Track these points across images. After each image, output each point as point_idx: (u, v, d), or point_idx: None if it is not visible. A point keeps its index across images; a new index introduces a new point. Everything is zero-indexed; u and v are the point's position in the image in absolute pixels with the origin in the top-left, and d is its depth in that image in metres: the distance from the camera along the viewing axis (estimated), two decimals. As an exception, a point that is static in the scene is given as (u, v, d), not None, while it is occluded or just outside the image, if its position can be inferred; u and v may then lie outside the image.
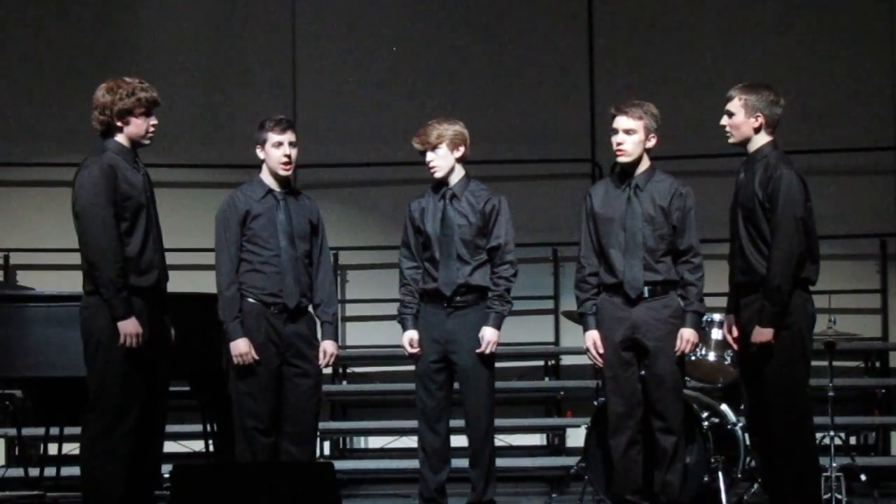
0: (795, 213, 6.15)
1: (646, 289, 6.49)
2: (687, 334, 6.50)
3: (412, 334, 6.75)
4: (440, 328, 6.69)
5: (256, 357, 6.44)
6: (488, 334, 6.68)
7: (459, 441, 6.84)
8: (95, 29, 11.09)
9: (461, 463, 6.83)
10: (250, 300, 6.50)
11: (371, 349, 10.58)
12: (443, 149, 6.71)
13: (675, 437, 6.51)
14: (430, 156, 6.73)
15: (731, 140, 6.40)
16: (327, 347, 6.65)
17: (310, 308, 6.66)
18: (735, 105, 6.32)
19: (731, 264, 6.43)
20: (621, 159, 6.58)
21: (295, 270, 6.54)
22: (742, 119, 6.31)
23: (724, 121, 6.38)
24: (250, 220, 6.53)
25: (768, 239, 6.19)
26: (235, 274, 6.49)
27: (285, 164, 6.58)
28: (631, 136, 6.53)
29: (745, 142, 6.35)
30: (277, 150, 6.57)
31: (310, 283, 6.62)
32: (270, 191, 6.59)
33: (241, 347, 6.43)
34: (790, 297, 6.16)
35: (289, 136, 6.59)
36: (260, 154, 6.63)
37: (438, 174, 6.75)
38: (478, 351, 6.67)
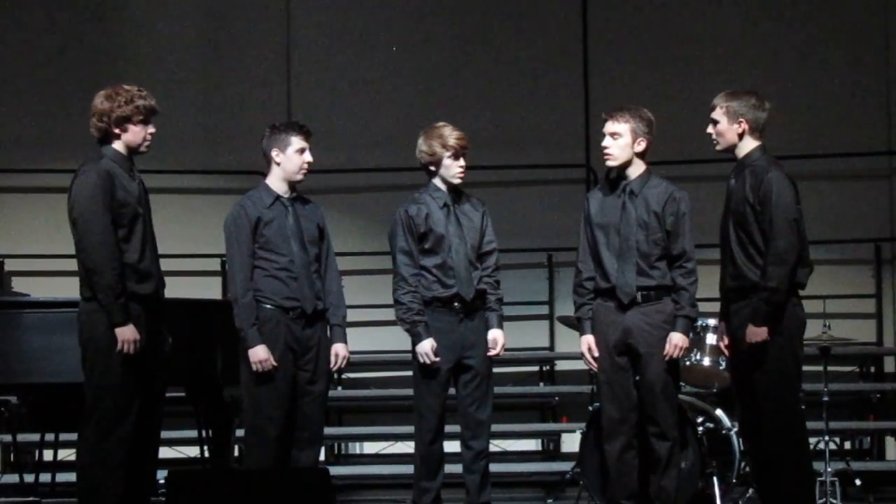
0: (788, 214, 6.16)
1: (639, 294, 6.46)
2: (676, 339, 6.44)
3: (433, 342, 6.56)
4: (455, 334, 6.61)
5: (275, 363, 6.38)
6: (501, 337, 6.69)
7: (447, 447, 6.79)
8: (90, 36, 11.10)
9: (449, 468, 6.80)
10: (268, 307, 6.44)
11: (366, 354, 10.57)
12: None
13: (668, 442, 6.48)
14: (462, 161, 6.66)
15: (717, 147, 6.41)
16: (339, 350, 6.61)
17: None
18: (718, 113, 6.34)
19: (722, 271, 6.43)
20: (608, 163, 6.58)
21: (309, 275, 6.50)
22: (725, 126, 6.32)
23: (710, 129, 6.40)
24: (262, 228, 6.47)
25: (759, 244, 6.19)
26: (251, 281, 6.44)
27: (306, 170, 6.56)
28: (616, 139, 6.52)
29: (732, 148, 6.36)
30: (301, 156, 6.53)
31: (321, 287, 6.58)
32: (279, 197, 6.55)
33: (260, 354, 6.36)
34: (786, 298, 6.17)
35: (309, 143, 6.58)
36: (276, 157, 6.52)
37: (462, 178, 6.70)
38: (490, 354, 6.67)
